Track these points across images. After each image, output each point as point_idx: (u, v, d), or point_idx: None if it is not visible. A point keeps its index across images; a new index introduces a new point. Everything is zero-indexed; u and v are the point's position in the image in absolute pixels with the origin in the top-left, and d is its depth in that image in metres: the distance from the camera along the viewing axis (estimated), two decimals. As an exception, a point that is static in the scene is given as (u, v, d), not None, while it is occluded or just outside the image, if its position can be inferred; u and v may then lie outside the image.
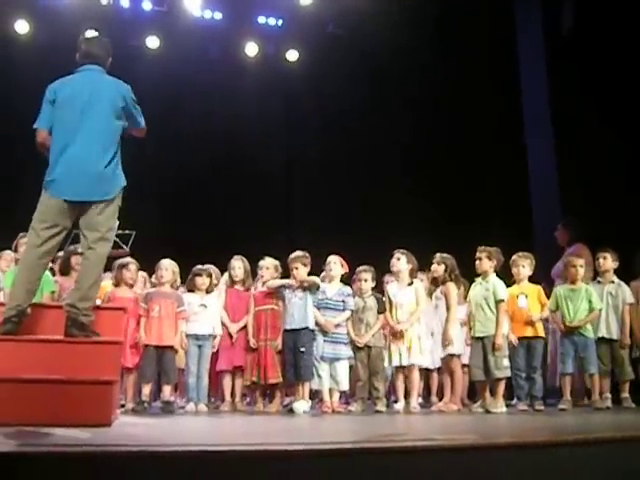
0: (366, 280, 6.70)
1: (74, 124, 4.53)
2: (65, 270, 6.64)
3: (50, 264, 5.09)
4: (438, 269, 6.73)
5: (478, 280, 6.52)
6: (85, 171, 4.48)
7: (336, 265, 6.66)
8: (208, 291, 6.77)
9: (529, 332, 6.46)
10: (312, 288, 6.50)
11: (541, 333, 6.51)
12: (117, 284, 6.61)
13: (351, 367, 6.65)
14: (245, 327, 6.74)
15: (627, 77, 8.02)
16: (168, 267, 6.63)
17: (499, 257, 6.52)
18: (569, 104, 8.83)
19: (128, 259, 6.61)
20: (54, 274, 6.71)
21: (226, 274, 7.04)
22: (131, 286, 6.66)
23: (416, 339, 6.43)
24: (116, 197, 4.60)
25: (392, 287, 6.71)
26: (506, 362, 6.24)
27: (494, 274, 6.47)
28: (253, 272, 6.99)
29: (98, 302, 5.71)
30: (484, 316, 6.32)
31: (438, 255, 6.77)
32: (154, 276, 6.96)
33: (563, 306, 6.60)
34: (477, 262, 6.49)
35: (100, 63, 4.78)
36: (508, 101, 9.64)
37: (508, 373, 6.28)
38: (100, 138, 4.54)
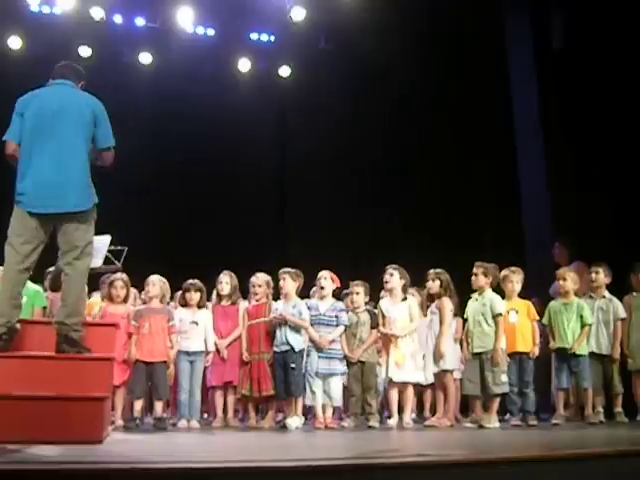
0: (358, 293, 6.68)
1: (42, 136, 4.47)
2: (55, 286, 6.57)
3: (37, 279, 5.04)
4: (433, 285, 6.67)
5: (474, 296, 6.49)
6: (54, 183, 4.41)
7: (327, 280, 6.62)
8: (200, 306, 6.74)
9: (520, 347, 6.44)
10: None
11: (530, 348, 6.47)
12: (107, 300, 6.57)
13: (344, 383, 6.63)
14: (234, 341, 6.72)
15: (618, 92, 8.05)
16: (156, 282, 6.60)
17: (495, 273, 6.49)
18: (560, 120, 8.88)
19: (114, 275, 6.50)
20: (45, 290, 6.67)
21: (214, 292, 7.01)
22: (121, 301, 6.61)
23: (409, 356, 6.41)
24: (90, 211, 4.53)
25: (385, 302, 6.67)
26: (504, 378, 6.20)
27: (490, 289, 6.44)
28: (242, 288, 6.97)
29: (89, 318, 5.68)
30: (482, 331, 6.29)
31: (432, 271, 6.71)
32: (144, 292, 6.93)
33: (557, 320, 6.61)
34: (473, 278, 6.45)
35: (72, 80, 4.77)
36: (499, 117, 9.68)
37: (506, 389, 6.24)
38: (68, 150, 4.48)
